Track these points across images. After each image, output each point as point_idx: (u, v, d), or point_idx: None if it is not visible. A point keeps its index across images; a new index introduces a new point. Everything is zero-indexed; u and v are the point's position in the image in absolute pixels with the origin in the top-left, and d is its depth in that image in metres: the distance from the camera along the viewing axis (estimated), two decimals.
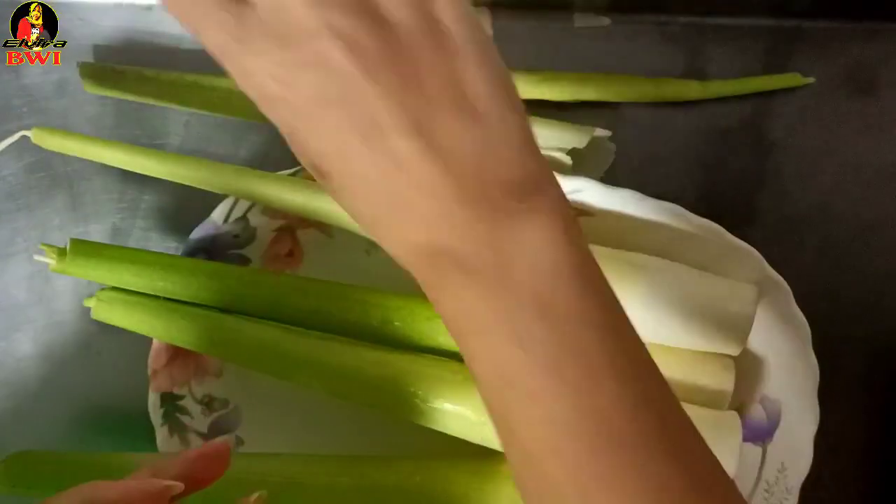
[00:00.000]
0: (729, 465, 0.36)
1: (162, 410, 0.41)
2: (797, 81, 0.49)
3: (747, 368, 0.40)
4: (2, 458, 0.36)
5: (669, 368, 0.38)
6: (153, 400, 0.41)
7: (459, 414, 0.36)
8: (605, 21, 0.50)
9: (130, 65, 0.48)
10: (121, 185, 0.47)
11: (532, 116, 0.44)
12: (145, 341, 0.41)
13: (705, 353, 0.39)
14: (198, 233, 0.42)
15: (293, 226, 0.44)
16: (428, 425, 0.37)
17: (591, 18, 0.50)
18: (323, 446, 0.39)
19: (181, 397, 0.41)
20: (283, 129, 0.26)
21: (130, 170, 0.42)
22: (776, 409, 0.40)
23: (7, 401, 0.45)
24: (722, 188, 0.48)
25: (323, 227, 0.44)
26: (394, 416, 0.37)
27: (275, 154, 0.47)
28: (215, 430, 0.41)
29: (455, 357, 0.37)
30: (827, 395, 0.39)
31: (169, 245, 0.47)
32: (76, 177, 0.48)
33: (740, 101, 0.49)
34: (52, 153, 0.43)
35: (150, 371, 0.41)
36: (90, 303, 0.40)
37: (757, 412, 0.40)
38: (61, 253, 0.39)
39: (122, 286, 0.40)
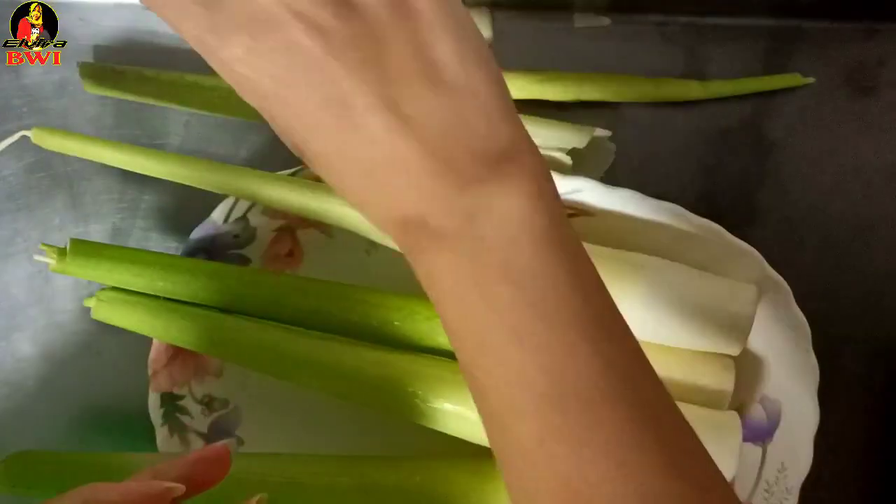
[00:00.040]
0: (729, 465, 0.36)
1: (162, 410, 0.41)
2: (797, 81, 0.49)
3: (747, 368, 0.40)
4: (2, 458, 0.36)
5: (669, 368, 0.38)
6: (153, 400, 0.41)
7: (459, 414, 0.36)
8: (605, 21, 0.50)
9: (130, 65, 0.48)
10: (121, 185, 0.47)
11: (532, 116, 0.45)
12: (145, 341, 0.41)
13: (705, 353, 0.39)
14: (198, 233, 0.42)
15: (293, 226, 0.44)
16: (428, 425, 0.37)
17: (592, 18, 0.50)
18: (323, 446, 0.39)
19: (181, 397, 0.41)
20: (264, 114, 0.26)
21: (130, 170, 0.42)
22: (776, 409, 0.40)
23: (7, 401, 0.45)
24: (722, 188, 0.48)
25: (323, 227, 0.44)
26: (394, 416, 0.37)
27: (275, 154, 0.47)
28: (215, 430, 0.41)
29: (455, 357, 0.37)
30: (827, 395, 0.39)
31: (169, 245, 0.47)
32: (76, 177, 0.48)
33: (740, 101, 0.49)
34: (52, 153, 0.43)
35: (150, 371, 0.41)
36: (90, 303, 0.40)
37: (757, 412, 0.40)
38: (61, 253, 0.39)
39: (122, 286, 0.40)
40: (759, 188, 0.47)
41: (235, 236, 0.43)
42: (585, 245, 0.26)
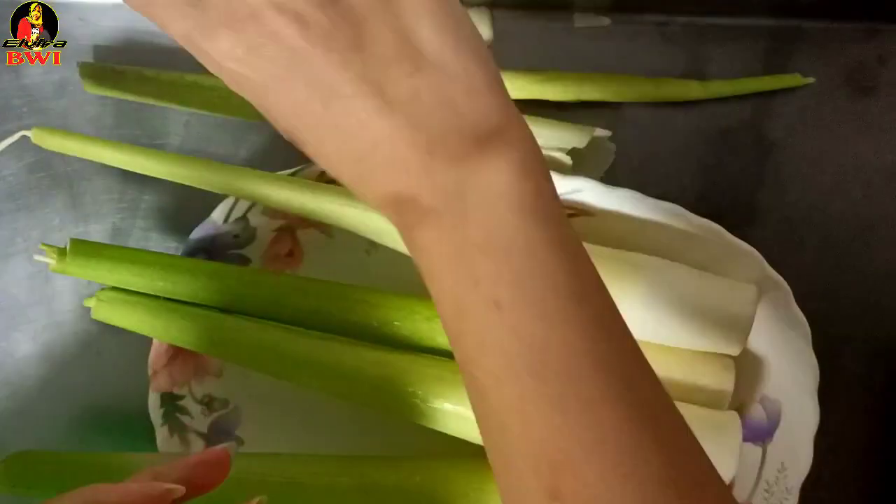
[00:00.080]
0: (729, 465, 0.36)
1: (162, 410, 0.41)
2: (797, 81, 0.49)
3: (747, 368, 0.40)
4: (2, 458, 0.36)
5: (669, 368, 0.38)
6: (153, 400, 0.41)
7: (459, 414, 0.36)
8: (606, 21, 0.50)
9: (130, 65, 0.48)
10: (121, 185, 0.47)
11: (532, 116, 0.45)
12: (145, 341, 0.41)
13: (705, 353, 0.39)
14: (198, 233, 0.42)
15: (293, 226, 0.44)
16: (428, 425, 0.37)
17: (592, 18, 0.50)
18: (323, 446, 0.39)
19: (181, 397, 0.41)
20: (257, 107, 0.27)
21: (130, 170, 0.42)
22: (776, 409, 0.40)
23: (7, 401, 0.45)
24: (722, 188, 0.48)
25: (323, 227, 0.44)
26: (394, 416, 0.37)
27: (275, 154, 0.47)
28: (215, 429, 0.41)
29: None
30: (827, 395, 0.39)
31: (169, 245, 0.47)
32: (76, 177, 0.48)
33: (740, 101, 0.49)
34: (52, 153, 0.43)
35: (150, 371, 0.41)
36: (90, 303, 0.40)
37: (757, 412, 0.40)
38: (61, 253, 0.39)
39: (122, 286, 0.40)
40: (758, 188, 0.48)
41: (235, 236, 0.43)
42: (585, 245, 0.26)
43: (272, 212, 0.43)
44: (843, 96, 0.49)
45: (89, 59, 0.49)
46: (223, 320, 0.39)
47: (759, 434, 0.40)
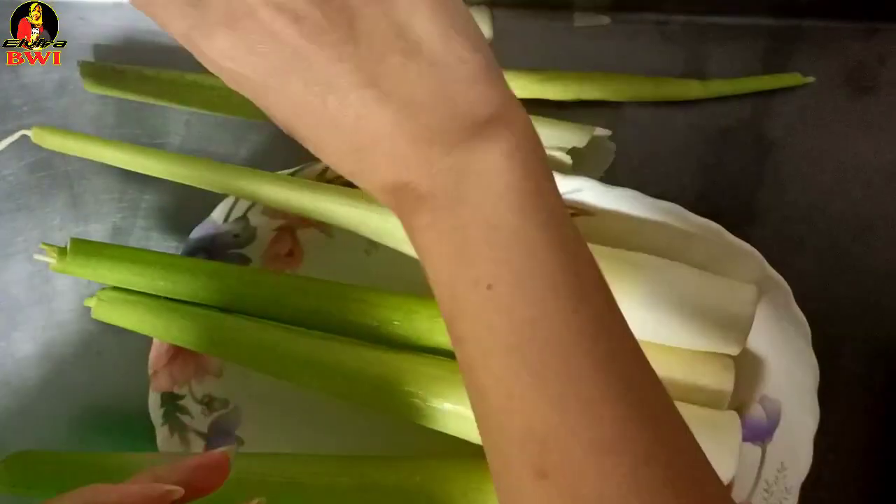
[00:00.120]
0: (728, 464, 0.36)
1: (162, 410, 0.41)
2: (797, 81, 0.49)
3: (747, 368, 0.40)
4: (2, 458, 0.36)
5: (669, 368, 0.38)
6: (153, 400, 0.41)
7: (459, 414, 0.36)
8: (606, 20, 0.50)
9: (131, 64, 0.48)
10: (121, 184, 0.47)
11: (532, 115, 0.44)
12: (146, 341, 0.41)
13: (705, 353, 0.39)
14: (198, 232, 0.42)
15: (293, 225, 0.44)
16: (428, 425, 0.37)
17: (592, 17, 0.50)
18: (323, 446, 0.39)
19: (181, 397, 0.41)
20: (257, 103, 0.27)
21: (131, 169, 0.42)
22: (776, 409, 0.40)
23: (7, 401, 0.45)
24: (722, 188, 0.48)
25: (323, 227, 0.44)
26: (394, 416, 0.37)
27: (275, 153, 0.47)
28: (215, 429, 0.42)
29: (455, 357, 0.37)
30: (827, 395, 0.39)
31: (169, 244, 0.47)
32: (76, 176, 0.48)
33: (740, 101, 0.49)
34: (53, 153, 0.43)
35: (150, 371, 0.41)
36: (90, 302, 0.40)
37: (757, 412, 0.40)
38: (61, 252, 0.39)
39: (122, 286, 0.40)
40: (758, 187, 0.47)
41: (235, 236, 0.43)
42: None
43: (272, 211, 0.43)
44: (843, 96, 0.49)
45: (89, 58, 0.49)
46: (223, 320, 0.39)
47: (758, 434, 0.40)
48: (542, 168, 0.26)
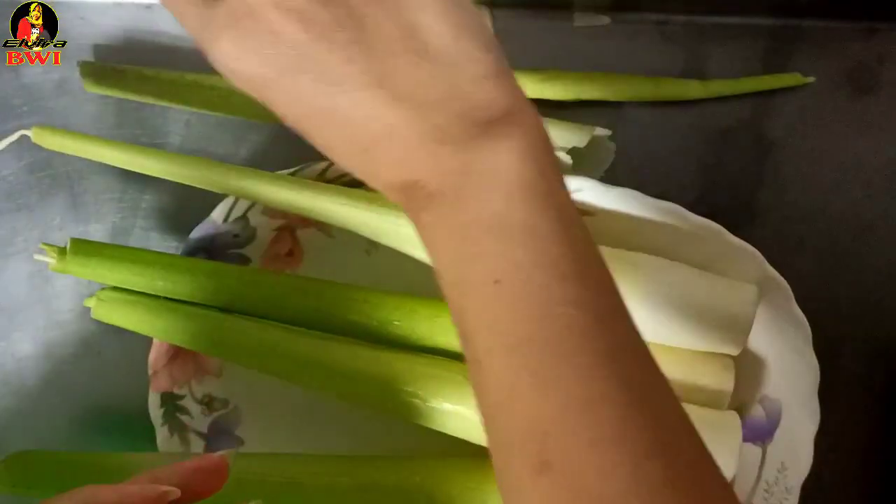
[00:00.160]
0: (729, 464, 0.36)
1: (162, 410, 0.41)
2: (797, 81, 0.49)
3: (747, 368, 0.40)
4: (2, 458, 0.36)
5: (669, 368, 0.38)
6: (153, 400, 0.41)
7: (459, 414, 0.36)
8: (606, 20, 0.50)
9: (131, 64, 0.48)
10: (121, 184, 0.47)
11: None
12: (145, 341, 0.41)
13: (705, 353, 0.39)
14: (198, 232, 0.42)
15: (293, 225, 0.44)
16: (428, 425, 0.37)
17: (592, 17, 0.50)
18: (323, 446, 0.39)
19: (181, 397, 0.41)
20: (265, 104, 0.27)
21: (131, 169, 0.42)
22: (776, 409, 0.40)
23: (7, 401, 0.45)
24: (722, 187, 0.48)
25: (323, 227, 0.44)
26: (394, 416, 0.37)
27: (275, 154, 0.47)
28: (215, 429, 0.42)
29: (455, 357, 0.37)
30: (827, 395, 0.39)
31: (169, 244, 0.47)
32: (76, 176, 0.48)
33: (740, 101, 0.49)
34: (53, 152, 0.43)
35: (150, 371, 0.41)
36: (90, 302, 0.40)
37: (757, 412, 0.40)
38: (61, 252, 0.39)
39: (122, 286, 0.40)
40: (758, 187, 0.47)
41: (235, 236, 0.43)
42: None
43: (272, 211, 0.43)
44: (843, 96, 0.49)
45: (89, 58, 0.49)
46: (223, 320, 0.39)
47: (759, 434, 0.40)
48: (553, 168, 0.26)
